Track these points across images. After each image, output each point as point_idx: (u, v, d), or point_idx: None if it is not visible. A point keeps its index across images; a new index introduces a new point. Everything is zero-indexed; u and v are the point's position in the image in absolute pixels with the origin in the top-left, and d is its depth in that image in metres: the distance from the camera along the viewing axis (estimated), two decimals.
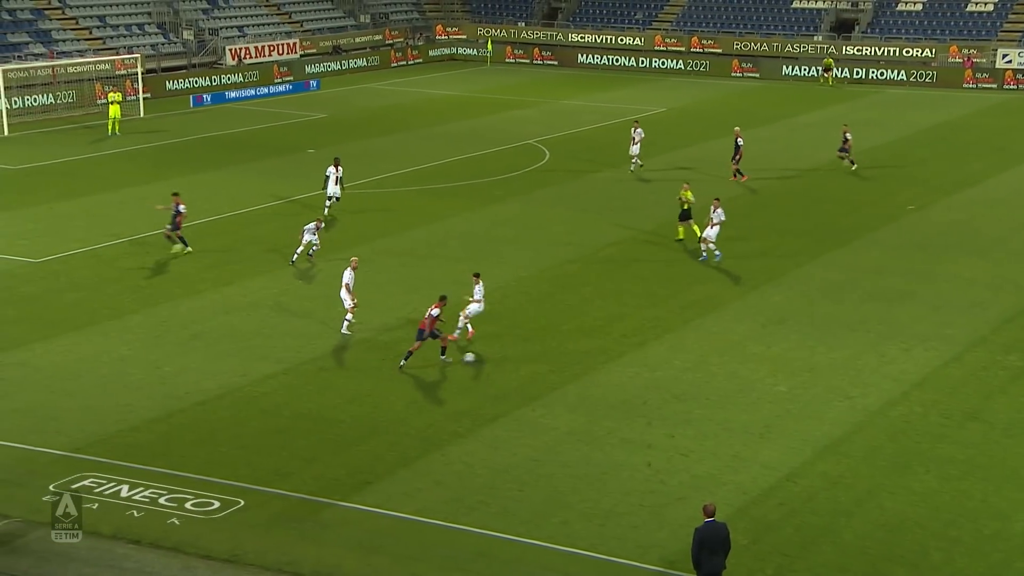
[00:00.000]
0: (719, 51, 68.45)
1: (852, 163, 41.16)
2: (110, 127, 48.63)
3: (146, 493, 18.40)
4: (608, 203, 37.76)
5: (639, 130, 41.58)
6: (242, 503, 18.23)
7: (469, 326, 25.17)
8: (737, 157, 39.86)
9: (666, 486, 18.88)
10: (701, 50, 68.99)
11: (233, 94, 59.13)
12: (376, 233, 34.01)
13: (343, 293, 25.83)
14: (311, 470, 19.47)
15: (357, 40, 71.27)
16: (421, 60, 72.77)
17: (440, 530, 17.70)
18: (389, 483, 19.06)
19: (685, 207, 32.37)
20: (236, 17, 67.66)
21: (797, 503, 18.33)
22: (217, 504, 18.16)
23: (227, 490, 18.62)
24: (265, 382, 23.20)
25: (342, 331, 25.73)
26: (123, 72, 56.03)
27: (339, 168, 35.70)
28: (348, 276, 25.80)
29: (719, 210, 30.68)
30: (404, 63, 71.58)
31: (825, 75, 63.59)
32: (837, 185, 39.95)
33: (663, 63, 69.10)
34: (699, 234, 31.33)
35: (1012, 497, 18.29)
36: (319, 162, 43.99)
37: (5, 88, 48.82)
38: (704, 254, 30.85)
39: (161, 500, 18.25)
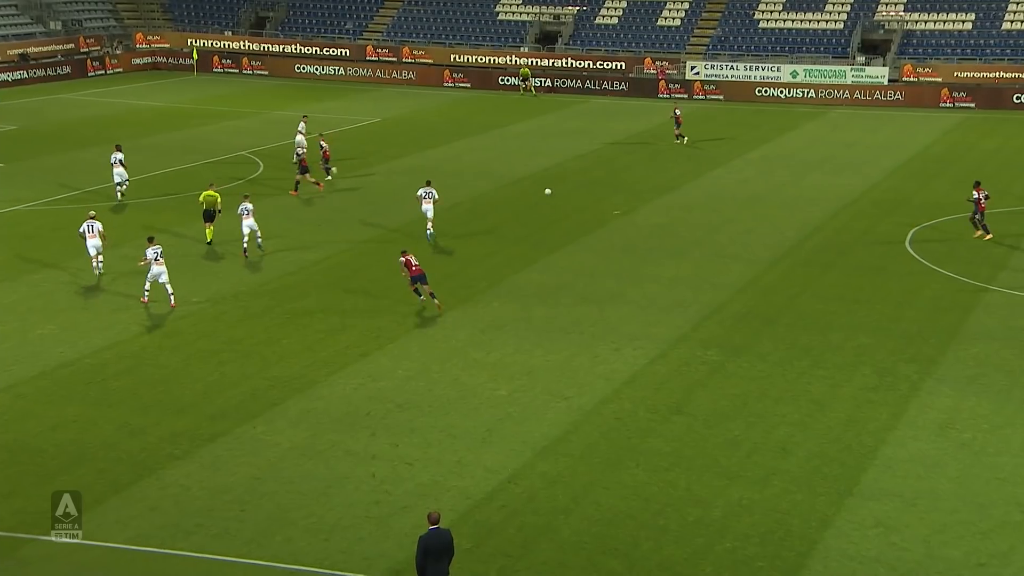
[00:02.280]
0: (430, 61, 69.51)
1: (329, 171, 41.96)
2: None
3: None
4: (325, 214, 37.52)
5: (302, 125, 44.15)
6: None
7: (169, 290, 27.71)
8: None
9: (391, 496, 18.97)
10: (412, 60, 69.82)
11: None
12: (78, 250, 32.23)
13: (96, 242, 29.31)
14: (9, 505, 18.25)
15: (47, 48, 67.27)
16: (121, 69, 69.70)
17: (155, 557, 17.02)
18: (99, 513, 18.14)
19: (207, 208, 32.96)
20: None
21: (518, 504, 18.88)
22: None
23: None
24: None
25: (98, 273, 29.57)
26: None
27: (121, 152, 37.83)
28: (99, 226, 29.70)
29: (428, 190, 34.16)
30: (102, 72, 68.33)
31: (524, 84, 65.95)
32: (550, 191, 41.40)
33: (376, 73, 69.41)
34: (209, 237, 33.01)
35: (712, 484, 19.58)
36: (10, 176, 41.27)
37: None
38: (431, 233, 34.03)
39: None
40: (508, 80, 67.10)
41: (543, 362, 24.94)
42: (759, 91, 63.98)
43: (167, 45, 72.94)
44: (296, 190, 39.60)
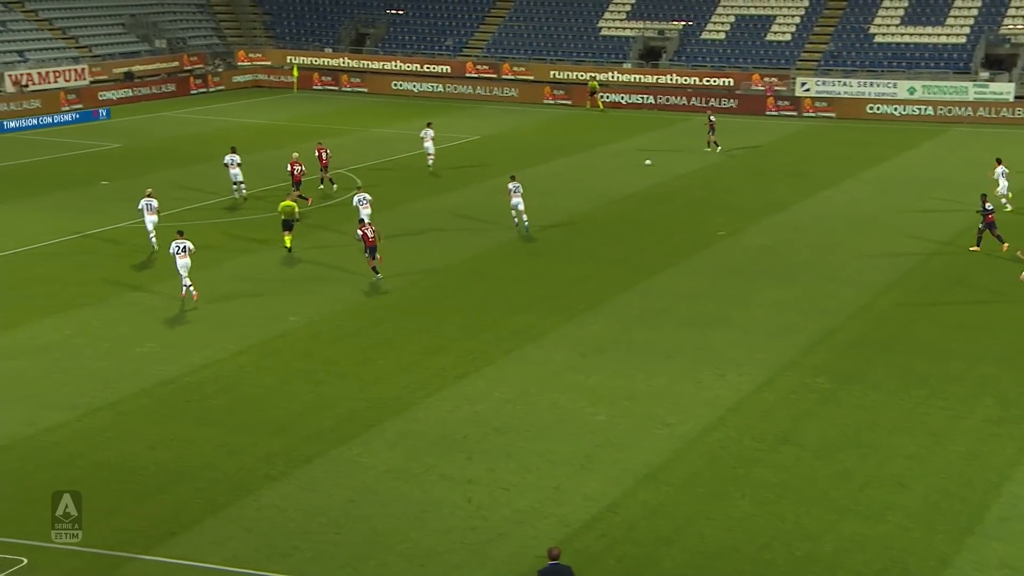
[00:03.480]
0: (531, 78, 69.89)
1: (332, 182, 43.34)
2: None
3: None
4: (423, 233, 37.94)
5: (430, 131, 47.37)
6: (25, 561, 17.38)
7: (192, 289, 29.70)
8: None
9: (488, 522, 19.02)
10: (512, 77, 70.28)
11: (13, 123, 56.59)
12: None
13: (154, 218, 34.25)
14: (109, 523, 18.74)
15: (152, 66, 69.47)
16: (223, 87, 71.51)
17: None
18: (196, 532, 18.55)
19: (285, 218, 34.63)
20: (16, 41, 64.91)
21: (618, 534, 18.76)
22: None
23: (11, 548, 17.71)
24: (57, 431, 22.23)
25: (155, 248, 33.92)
26: None
27: (236, 153, 41.33)
28: (156, 204, 34.99)
29: (516, 184, 37.12)
30: (204, 90, 70.19)
31: (591, 99, 66.08)
32: (651, 212, 41.30)
33: (475, 90, 70.06)
34: (288, 244, 34.73)
35: (822, 518, 19.19)
36: (114, 194, 42.61)
37: None
38: (521, 224, 37.17)
39: None
40: (607, 96, 67.12)
41: (644, 387, 24.80)
42: (873, 108, 62.88)
43: (268, 63, 74.65)
44: (308, 198, 40.83)
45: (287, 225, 34.70)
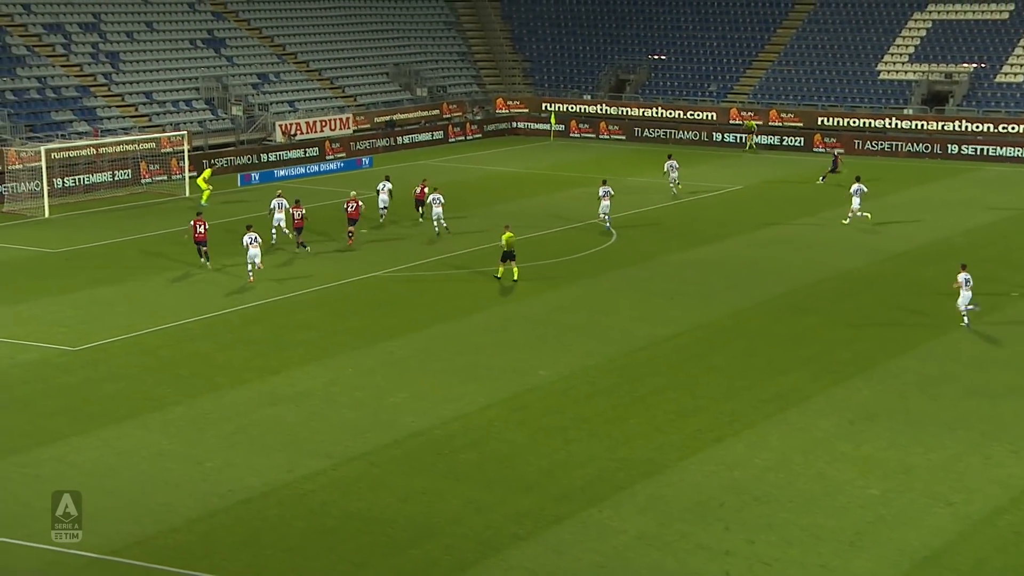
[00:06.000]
0: (800, 125, 68.68)
1: (421, 212, 46.49)
2: (204, 198, 51.08)
3: None
4: (680, 287, 37.78)
5: (674, 163, 52.91)
6: None
7: (260, 265, 37.05)
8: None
9: None
10: (780, 124, 69.27)
11: (282, 172, 60.39)
12: (432, 318, 34.33)
13: (280, 215, 42.68)
14: (361, 575, 19.45)
15: (413, 115, 72.66)
16: (480, 135, 73.91)
17: None
18: None
19: (506, 249, 37.41)
20: (286, 92, 69.38)
21: None
22: None
23: None
24: (313, 479, 23.33)
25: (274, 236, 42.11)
26: (168, 150, 57.51)
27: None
28: (286, 203, 43.00)
29: (607, 189, 44.76)
30: (463, 138, 72.74)
31: (749, 139, 64.77)
32: (931, 269, 39.63)
33: (739, 138, 69.46)
34: (515, 273, 37.52)
35: None
36: (369, 244, 44.63)
37: (47, 168, 50.09)
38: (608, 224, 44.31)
39: None
40: (883, 145, 65.04)
41: (923, 460, 23.71)
42: None
43: (526, 110, 76.66)
44: (351, 239, 43.30)
45: (509, 255, 37.20)
